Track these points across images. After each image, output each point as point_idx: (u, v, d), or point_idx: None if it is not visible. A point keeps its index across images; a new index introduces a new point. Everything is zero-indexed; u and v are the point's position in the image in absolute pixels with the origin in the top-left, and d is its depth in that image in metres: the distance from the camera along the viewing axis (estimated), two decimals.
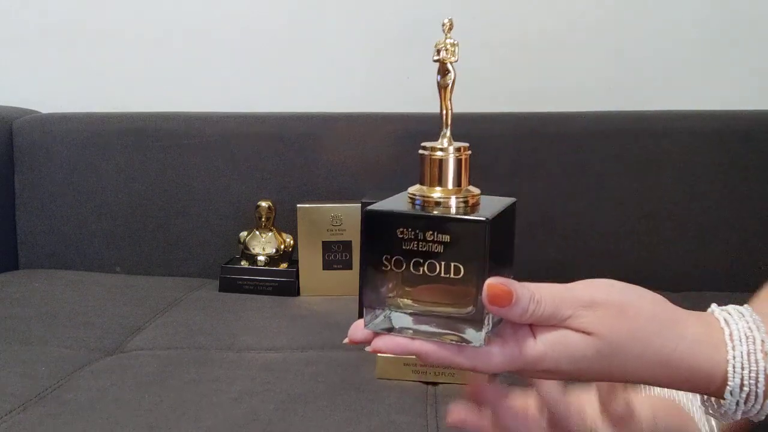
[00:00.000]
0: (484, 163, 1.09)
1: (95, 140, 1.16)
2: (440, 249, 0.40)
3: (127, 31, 1.28)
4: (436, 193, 0.42)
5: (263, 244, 1.07)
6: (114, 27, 1.28)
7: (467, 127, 1.11)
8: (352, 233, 1.03)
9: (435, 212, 0.41)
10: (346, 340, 0.44)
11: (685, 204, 1.08)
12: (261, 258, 1.06)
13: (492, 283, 0.40)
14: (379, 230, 0.41)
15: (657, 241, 1.09)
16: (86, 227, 1.16)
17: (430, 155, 0.43)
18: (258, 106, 1.21)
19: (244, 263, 1.07)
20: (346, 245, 1.03)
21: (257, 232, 1.07)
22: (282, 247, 1.07)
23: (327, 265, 1.04)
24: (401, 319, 0.42)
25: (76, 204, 1.15)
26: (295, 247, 1.07)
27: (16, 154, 1.17)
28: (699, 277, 1.08)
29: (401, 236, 0.40)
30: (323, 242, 1.03)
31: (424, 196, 0.42)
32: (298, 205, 1.04)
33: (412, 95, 1.05)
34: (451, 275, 0.40)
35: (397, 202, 0.43)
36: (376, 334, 0.42)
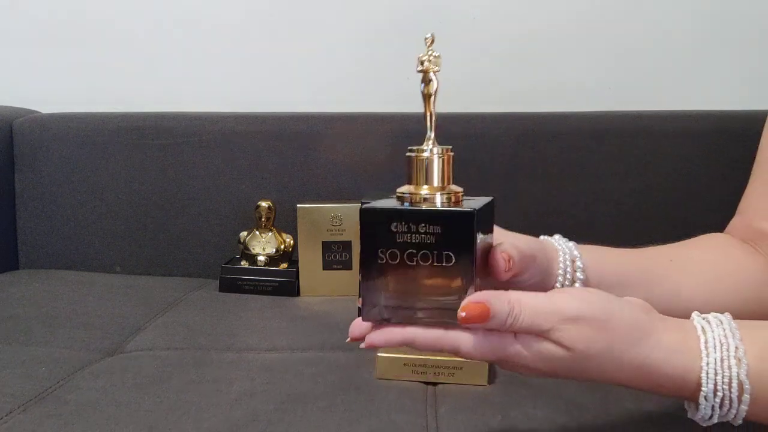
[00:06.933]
0: (483, 163, 1.09)
1: (95, 140, 1.16)
2: (432, 240, 0.43)
3: (127, 30, 1.28)
4: (423, 191, 0.46)
5: (263, 244, 1.07)
6: (114, 27, 1.28)
7: (466, 127, 1.12)
8: (352, 233, 1.03)
9: (425, 206, 0.45)
10: (348, 339, 0.47)
11: (683, 204, 1.08)
12: (261, 258, 1.06)
13: (465, 304, 0.42)
14: (375, 226, 0.44)
15: (656, 242, 1.09)
16: (86, 227, 1.16)
17: (417, 156, 0.46)
18: (258, 106, 1.21)
19: (244, 263, 1.07)
20: (346, 245, 1.03)
21: (257, 232, 1.07)
22: (282, 247, 1.07)
23: (327, 265, 1.04)
24: (396, 311, 0.45)
25: (76, 204, 1.16)
26: (295, 247, 1.07)
27: (16, 154, 1.17)
28: None
29: (395, 230, 0.44)
30: (323, 242, 1.03)
31: (412, 194, 0.46)
32: (298, 205, 1.04)
33: (412, 95, 1.05)
34: (443, 263, 0.43)
35: (388, 202, 0.46)
36: (374, 326, 0.45)
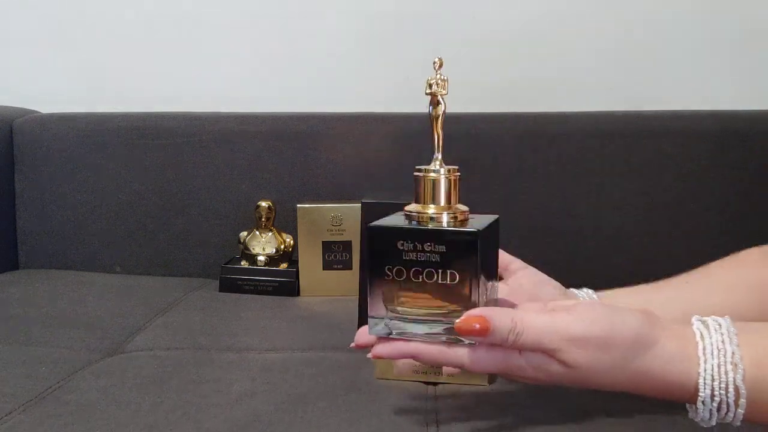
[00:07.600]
0: (484, 163, 1.09)
1: (95, 140, 1.16)
2: (437, 258, 0.45)
3: (128, 31, 1.28)
4: (431, 210, 0.47)
5: (263, 244, 1.07)
6: (114, 27, 1.28)
7: (467, 127, 1.11)
8: (352, 233, 1.02)
9: (431, 226, 0.46)
10: (352, 345, 0.49)
11: (685, 204, 1.08)
12: (261, 258, 1.06)
13: (465, 317, 0.43)
14: (382, 244, 0.46)
15: (657, 242, 1.09)
16: (86, 227, 1.15)
17: (424, 176, 0.48)
18: (258, 106, 1.21)
19: (244, 263, 1.07)
20: (346, 245, 1.03)
21: (257, 232, 1.07)
22: (282, 247, 1.07)
23: (327, 265, 1.04)
24: (401, 325, 0.46)
25: (76, 204, 1.15)
26: (295, 247, 1.07)
27: (16, 153, 1.17)
28: None
29: (402, 248, 0.45)
30: (323, 242, 1.03)
31: (419, 213, 0.47)
32: (298, 205, 1.04)
33: (412, 95, 1.05)
34: (448, 281, 0.44)
35: (395, 219, 0.48)
36: (379, 339, 0.47)
